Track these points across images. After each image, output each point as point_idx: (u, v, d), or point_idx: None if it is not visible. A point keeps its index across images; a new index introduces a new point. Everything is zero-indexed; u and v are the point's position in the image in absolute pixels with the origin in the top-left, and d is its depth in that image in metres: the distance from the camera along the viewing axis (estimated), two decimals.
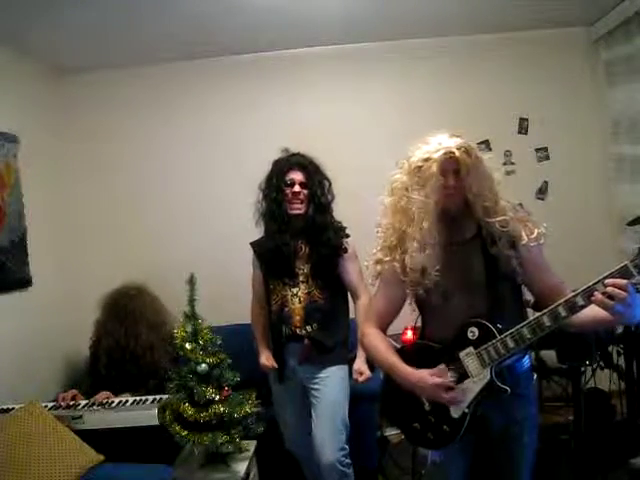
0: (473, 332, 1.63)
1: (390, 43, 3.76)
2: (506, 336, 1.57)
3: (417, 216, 1.62)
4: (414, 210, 1.63)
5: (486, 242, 1.67)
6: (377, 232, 1.79)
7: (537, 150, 3.79)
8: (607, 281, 1.45)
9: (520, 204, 1.80)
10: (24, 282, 3.15)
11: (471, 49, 3.74)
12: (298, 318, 2.46)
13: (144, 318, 2.98)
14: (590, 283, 1.48)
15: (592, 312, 1.51)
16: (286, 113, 3.76)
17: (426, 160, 1.61)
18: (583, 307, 1.49)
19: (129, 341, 2.92)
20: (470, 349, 1.63)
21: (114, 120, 3.79)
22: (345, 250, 2.51)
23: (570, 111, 3.74)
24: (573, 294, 1.51)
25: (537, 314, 1.55)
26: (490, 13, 3.41)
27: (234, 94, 3.79)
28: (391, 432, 3.35)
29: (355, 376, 2.46)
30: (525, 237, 1.64)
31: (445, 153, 1.60)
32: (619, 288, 1.43)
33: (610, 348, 2.77)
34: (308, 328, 2.46)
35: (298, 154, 2.57)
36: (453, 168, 1.62)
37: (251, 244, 2.64)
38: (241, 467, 2.47)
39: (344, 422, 2.42)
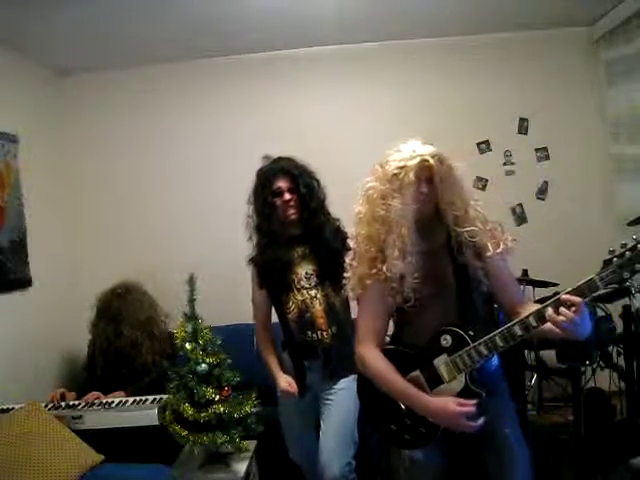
0: (446, 339, 1.66)
1: (389, 43, 3.76)
2: (480, 344, 1.60)
3: (396, 223, 1.63)
4: (392, 218, 1.63)
5: (453, 250, 1.69)
6: (354, 244, 1.79)
7: (537, 150, 3.78)
8: (562, 297, 1.48)
9: (498, 221, 1.78)
10: (24, 282, 3.15)
11: (471, 49, 3.73)
12: (322, 321, 2.34)
13: (127, 316, 3.00)
14: (561, 294, 1.50)
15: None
16: (285, 113, 3.76)
17: (402, 168, 1.63)
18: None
19: (117, 340, 2.95)
20: (444, 356, 1.66)
21: (114, 120, 3.79)
22: (348, 248, 2.41)
23: (570, 111, 3.74)
24: (546, 303, 1.52)
25: (508, 324, 1.58)
26: (490, 13, 3.41)
27: (234, 94, 3.79)
28: None
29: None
30: (490, 249, 1.67)
31: (420, 161, 1.63)
32: (570, 306, 1.46)
33: (610, 348, 2.77)
34: (333, 329, 2.35)
35: (280, 159, 2.43)
36: (426, 176, 1.64)
37: (252, 261, 2.48)
38: (241, 467, 2.47)
39: (353, 437, 2.34)
